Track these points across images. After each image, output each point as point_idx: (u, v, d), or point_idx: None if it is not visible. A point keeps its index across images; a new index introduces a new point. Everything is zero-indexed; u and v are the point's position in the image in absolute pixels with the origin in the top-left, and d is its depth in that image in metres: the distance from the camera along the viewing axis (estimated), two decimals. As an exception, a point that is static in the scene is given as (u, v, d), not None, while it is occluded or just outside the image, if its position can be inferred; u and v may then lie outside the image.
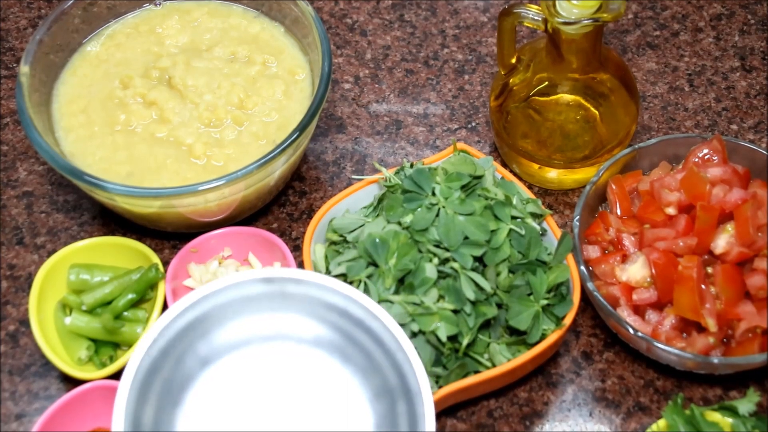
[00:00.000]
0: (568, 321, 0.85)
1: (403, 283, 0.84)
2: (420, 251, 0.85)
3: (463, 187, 0.88)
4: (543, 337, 0.85)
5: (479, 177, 0.90)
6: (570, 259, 0.88)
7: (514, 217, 0.88)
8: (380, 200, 0.92)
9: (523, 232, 0.87)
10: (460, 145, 0.95)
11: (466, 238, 0.85)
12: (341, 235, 0.90)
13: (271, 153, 0.91)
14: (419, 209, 0.87)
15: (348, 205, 0.94)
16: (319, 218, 0.92)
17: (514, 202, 0.90)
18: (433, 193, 0.88)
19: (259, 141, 0.99)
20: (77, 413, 0.87)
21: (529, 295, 0.85)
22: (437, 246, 0.85)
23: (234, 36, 1.07)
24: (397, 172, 0.92)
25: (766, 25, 1.18)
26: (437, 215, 0.86)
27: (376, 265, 0.85)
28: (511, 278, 0.85)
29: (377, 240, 0.85)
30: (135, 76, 1.03)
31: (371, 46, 1.18)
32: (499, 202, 0.88)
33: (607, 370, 0.93)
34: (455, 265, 0.84)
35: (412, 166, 0.92)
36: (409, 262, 0.84)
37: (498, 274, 0.85)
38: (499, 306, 0.85)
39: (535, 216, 0.91)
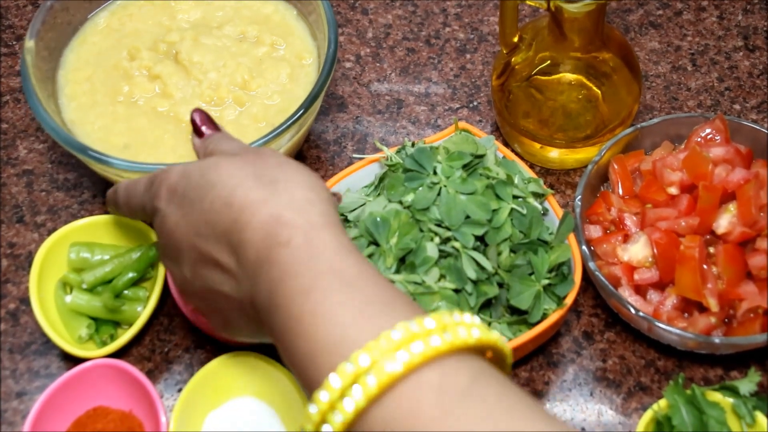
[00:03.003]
0: (569, 301, 0.85)
1: (405, 262, 0.84)
2: (421, 230, 0.85)
3: (464, 167, 0.88)
4: (544, 316, 0.85)
5: (481, 156, 0.89)
6: (571, 239, 0.88)
7: (515, 197, 0.88)
8: (381, 179, 0.92)
9: (524, 212, 0.87)
10: (462, 124, 0.94)
11: (468, 217, 0.85)
12: (342, 215, 0.90)
13: (275, 130, 0.90)
14: (420, 188, 0.87)
15: (349, 184, 0.93)
16: None
17: (516, 181, 0.89)
18: (435, 172, 0.87)
19: (259, 123, 0.99)
20: (78, 391, 0.87)
21: (531, 274, 0.85)
22: (438, 225, 0.85)
23: (246, 15, 1.07)
24: (398, 151, 0.92)
25: (769, 5, 1.17)
26: (438, 194, 0.86)
27: (377, 244, 0.84)
28: (512, 257, 0.85)
29: (378, 219, 0.84)
30: (142, 48, 1.03)
31: (372, 24, 1.17)
32: (500, 182, 0.88)
33: (608, 350, 0.93)
34: (456, 244, 0.84)
35: (413, 145, 0.92)
36: (410, 241, 0.83)
37: (499, 254, 0.85)
38: (501, 285, 0.85)
39: (537, 195, 0.90)
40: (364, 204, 0.89)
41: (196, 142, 0.79)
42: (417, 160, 0.88)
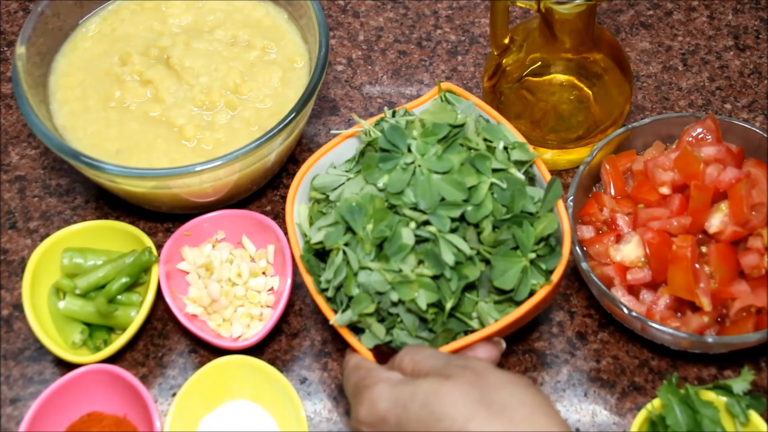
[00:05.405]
0: (556, 277, 0.82)
1: (383, 248, 0.80)
2: (398, 214, 0.81)
3: (443, 139, 0.84)
4: (532, 293, 0.81)
5: (460, 126, 0.86)
6: (560, 206, 0.85)
7: (495, 170, 0.84)
8: (362, 153, 0.89)
9: (505, 186, 0.83)
10: (446, 84, 0.91)
11: (443, 199, 0.81)
12: (324, 194, 0.87)
13: (267, 134, 0.90)
14: (395, 170, 0.83)
15: (332, 159, 0.90)
16: (302, 176, 0.89)
17: (500, 147, 0.85)
18: (409, 150, 0.84)
19: (251, 127, 0.99)
20: (72, 397, 0.87)
21: (515, 249, 0.81)
22: (414, 209, 0.81)
23: (237, 19, 1.07)
24: (377, 123, 0.88)
25: (759, 4, 1.17)
26: (413, 175, 0.83)
27: (354, 231, 0.81)
28: (495, 234, 0.81)
29: (354, 204, 0.81)
30: (134, 53, 1.03)
31: (364, 27, 1.17)
32: (479, 155, 0.84)
33: (602, 350, 0.93)
34: (433, 228, 0.80)
35: (394, 114, 0.89)
36: (386, 227, 0.80)
37: (481, 231, 0.81)
38: (488, 262, 0.81)
39: (523, 163, 0.87)
40: (344, 183, 0.86)
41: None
42: (390, 139, 0.85)
